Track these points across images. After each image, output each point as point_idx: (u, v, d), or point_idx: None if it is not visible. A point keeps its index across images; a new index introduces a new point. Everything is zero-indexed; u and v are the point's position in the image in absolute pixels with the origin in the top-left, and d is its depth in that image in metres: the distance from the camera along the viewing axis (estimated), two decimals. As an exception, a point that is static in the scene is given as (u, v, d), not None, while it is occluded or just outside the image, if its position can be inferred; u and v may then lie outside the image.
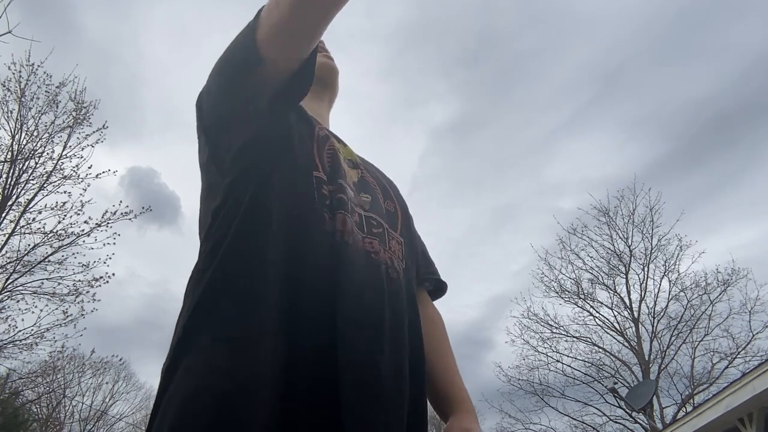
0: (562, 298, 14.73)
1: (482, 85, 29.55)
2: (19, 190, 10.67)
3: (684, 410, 12.18)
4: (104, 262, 11.06)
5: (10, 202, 10.55)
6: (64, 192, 10.80)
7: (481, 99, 29.88)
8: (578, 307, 14.61)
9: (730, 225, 22.06)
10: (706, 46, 22.48)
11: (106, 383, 18.76)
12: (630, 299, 14.21)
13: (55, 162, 10.81)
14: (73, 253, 10.98)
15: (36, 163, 10.78)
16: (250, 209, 0.85)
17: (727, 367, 13.01)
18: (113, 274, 11.25)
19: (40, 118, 10.74)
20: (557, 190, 23.97)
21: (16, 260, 10.68)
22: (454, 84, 29.77)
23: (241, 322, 0.74)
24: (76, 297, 10.97)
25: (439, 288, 1.22)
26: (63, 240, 10.88)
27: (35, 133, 10.75)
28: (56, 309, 10.89)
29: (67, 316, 10.92)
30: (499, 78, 28.62)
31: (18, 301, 10.67)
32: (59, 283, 10.95)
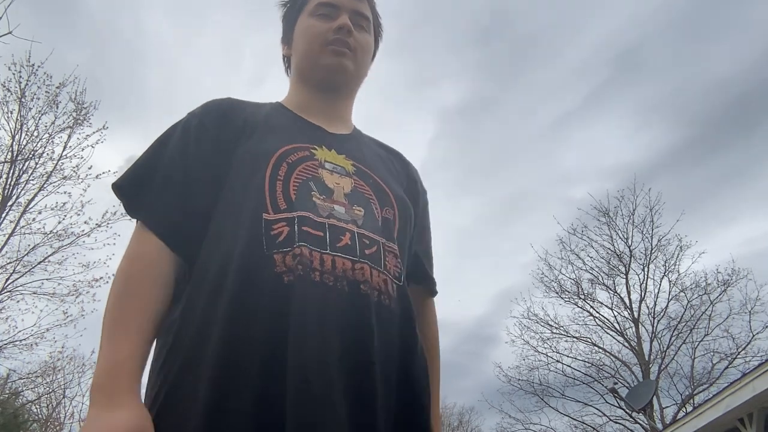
0: (562, 298, 14.75)
1: (494, 66, 28.49)
2: (19, 191, 10.68)
3: (684, 410, 12.18)
4: (104, 263, 11.10)
5: (10, 203, 10.55)
6: (64, 192, 10.84)
7: (493, 80, 28.84)
8: (578, 307, 14.63)
9: (748, 214, 21.32)
10: (725, 24, 21.38)
11: (106, 383, 18.72)
12: (630, 299, 14.22)
13: (55, 162, 10.83)
14: (73, 254, 11.02)
15: (36, 164, 10.79)
16: (195, 273, 0.89)
17: (727, 368, 13.02)
18: (113, 275, 11.24)
19: (40, 119, 10.75)
20: (569, 178, 23.23)
21: (16, 260, 10.70)
22: (465, 64, 28.78)
23: (176, 381, 0.81)
24: (76, 297, 11.01)
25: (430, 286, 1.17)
26: (63, 240, 10.92)
27: (35, 134, 10.76)
28: (56, 309, 10.94)
29: (67, 317, 10.96)
30: (512, 58, 27.80)
31: (18, 302, 10.71)
32: (59, 284, 10.98)
